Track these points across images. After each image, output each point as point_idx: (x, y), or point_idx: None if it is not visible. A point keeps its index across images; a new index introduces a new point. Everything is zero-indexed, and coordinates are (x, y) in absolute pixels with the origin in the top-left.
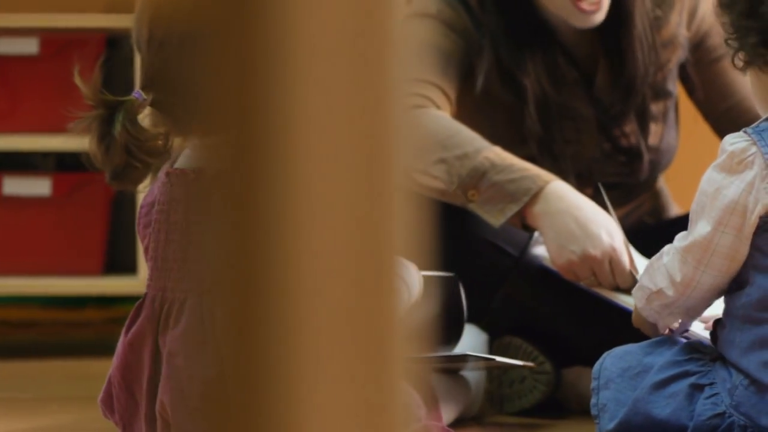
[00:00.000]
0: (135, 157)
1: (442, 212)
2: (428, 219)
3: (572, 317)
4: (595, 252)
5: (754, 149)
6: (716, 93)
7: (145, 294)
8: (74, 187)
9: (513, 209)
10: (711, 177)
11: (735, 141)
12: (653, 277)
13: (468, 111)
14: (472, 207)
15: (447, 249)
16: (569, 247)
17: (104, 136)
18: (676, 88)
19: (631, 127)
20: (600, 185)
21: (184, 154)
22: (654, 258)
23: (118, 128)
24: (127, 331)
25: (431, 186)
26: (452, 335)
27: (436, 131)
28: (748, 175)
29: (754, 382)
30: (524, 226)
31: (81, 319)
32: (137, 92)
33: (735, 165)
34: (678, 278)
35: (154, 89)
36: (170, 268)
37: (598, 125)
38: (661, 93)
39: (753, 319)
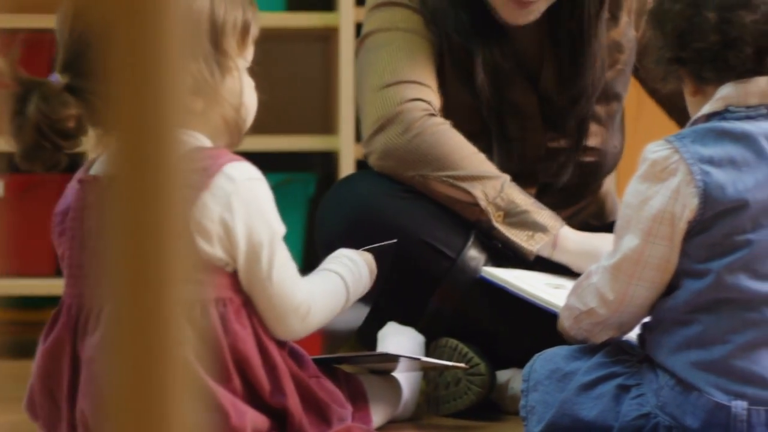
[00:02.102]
0: (46, 137)
1: (380, 213)
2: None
3: (507, 319)
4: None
5: (676, 156)
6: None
7: (62, 302)
8: (27, 188)
9: (543, 239)
10: (635, 189)
11: (656, 149)
12: (582, 297)
13: None
14: (499, 226)
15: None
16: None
17: (17, 114)
18: (625, 91)
19: (572, 127)
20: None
21: (99, 160)
22: (581, 278)
23: (31, 108)
24: (45, 339)
25: (461, 199)
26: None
27: (459, 146)
28: (673, 182)
29: (680, 382)
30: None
31: (35, 320)
32: (54, 75)
33: (658, 173)
34: (611, 296)
35: (70, 74)
36: (86, 275)
37: (543, 124)
38: (608, 96)
39: (680, 320)
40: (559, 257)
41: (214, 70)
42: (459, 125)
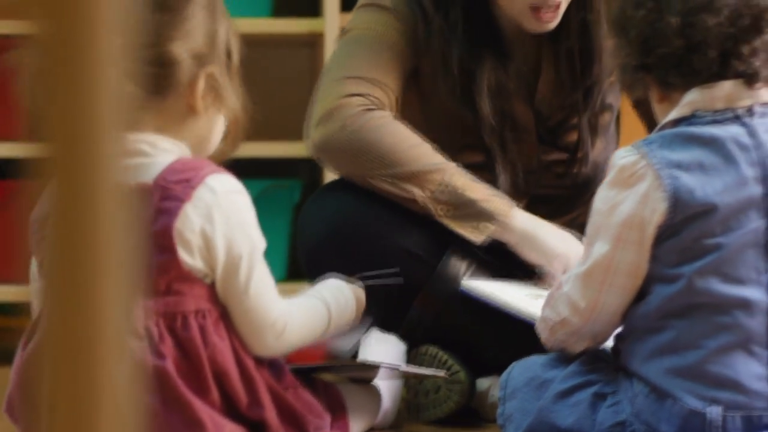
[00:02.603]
0: None
1: (360, 219)
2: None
3: (488, 327)
4: (575, 252)
5: (644, 162)
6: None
7: (41, 310)
8: (8, 195)
9: (488, 228)
10: (604, 195)
11: (624, 155)
12: (555, 307)
13: (410, 111)
14: (443, 221)
15: (363, 257)
16: (553, 248)
17: None
18: (618, 101)
19: (569, 138)
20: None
21: None
22: (553, 288)
23: None
24: (24, 346)
25: (401, 195)
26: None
27: (400, 140)
28: (641, 187)
29: (654, 389)
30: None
31: (14, 327)
32: None
33: (627, 179)
34: (582, 304)
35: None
36: None
37: (538, 136)
38: (602, 106)
39: (653, 327)
40: (504, 236)
41: (227, 77)
42: (454, 138)
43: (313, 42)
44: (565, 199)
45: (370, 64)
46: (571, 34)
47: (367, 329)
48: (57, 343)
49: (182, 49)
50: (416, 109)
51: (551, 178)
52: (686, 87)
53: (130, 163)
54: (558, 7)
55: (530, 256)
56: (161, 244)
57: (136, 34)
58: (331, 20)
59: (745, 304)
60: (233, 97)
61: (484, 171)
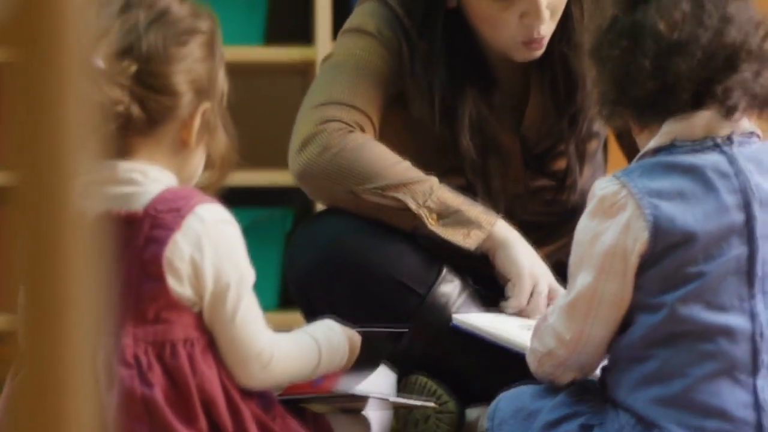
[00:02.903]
0: None
1: (349, 248)
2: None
3: (477, 356)
4: (546, 275)
5: (624, 191)
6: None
7: None
8: None
9: (479, 235)
10: (585, 226)
11: (604, 185)
12: (542, 339)
13: (394, 135)
14: (434, 229)
15: (353, 285)
16: (527, 265)
17: None
18: (605, 129)
19: (556, 165)
20: None
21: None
22: (539, 320)
23: None
24: (13, 377)
25: (392, 206)
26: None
27: (383, 157)
28: (623, 216)
29: (641, 420)
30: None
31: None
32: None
33: (607, 209)
34: (567, 336)
35: None
36: None
37: (524, 162)
38: (589, 134)
39: (637, 357)
40: (486, 245)
41: (219, 114)
42: (439, 161)
43: (305, 70)
44: (554, 226)
45: (349, 90)
46: (555, 62)
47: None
48: (24, 375)
49: (185, 82)
50: (402, 131)
51: (539, 204)
52: (663, 121)
53: (122, 192)
54: (542, 40)
55: (504, 267)
56: (151, 272)
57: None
58: (323, 48)
59: (729, 332)
60: (223, 134)
61: (470, 194)
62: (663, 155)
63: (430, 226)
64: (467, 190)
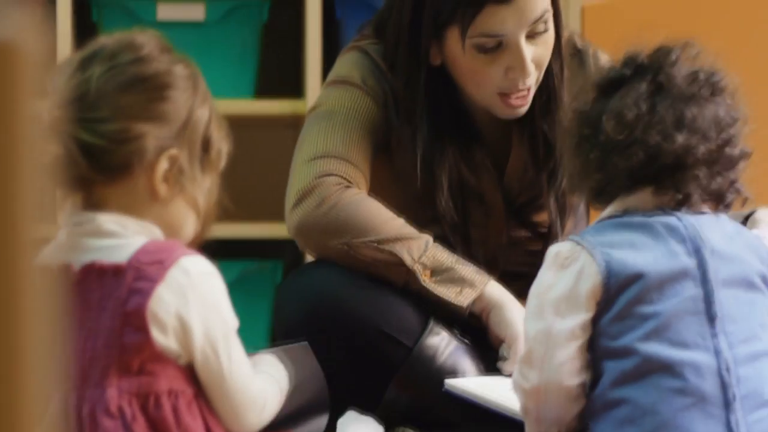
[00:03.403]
0: None
1: (337, 300)
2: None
3: (464, 409)
4: None
5: (578, 248)
6: None
7: None
8: None
9: (471, 294)
10: (539, 280)
11: (559, 245)
12: (518, 398)
13: (377, 183)
14: (427, 285)
15: (340, 337)
16: (521, 326)
17: None
18: None
19: (538, 217)
20: None
21: (47, 249)
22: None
23: None
24: None
25: (386, 260)
26: (319, 405)
27: (379, 212)
28: (576, 266)
29: None
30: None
31: None
32: None
33: (562, 261)
34: (527, 386)
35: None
36: None
37: (506, 212)
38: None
39: (609, 403)
40: (476, 305)
41: (198, 166)
42: (421, 211)
43: (296, 123)
44: (535, 276)
45: (341, 142)
46: (535, 116)
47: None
48: None
49: (146, 129)
50: (385, 179)
51: (522, 254)
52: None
53: (104, 244)
54: (528, 91)
55: (498, 328)
56: (134, 324)
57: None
58: (313, 101)
59: (695, 366)
60: (200, 187)
61: (457, 245)
62: (615, 219)
63: (423, 282)
64: (448, 241)
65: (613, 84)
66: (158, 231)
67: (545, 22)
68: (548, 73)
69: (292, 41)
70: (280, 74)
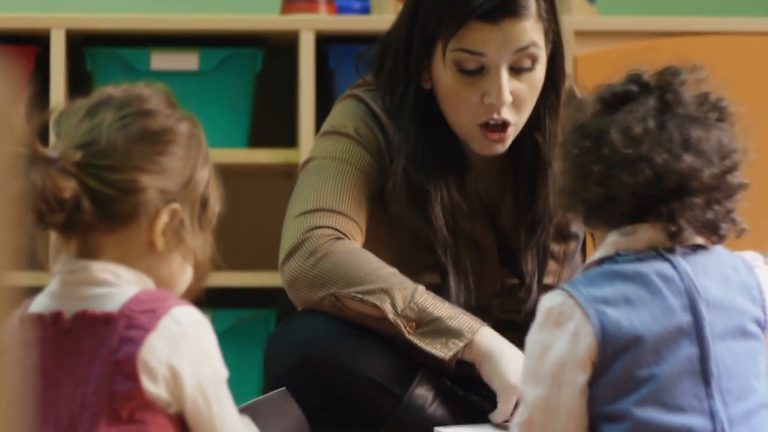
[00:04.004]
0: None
1: (326, 349)
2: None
3: None
4: None
5: (571, 301)
6: None
7: None
8: None
9: (458, 345)
10: (534, 339)
11: (551, 298)
12: None
13: (374, 232)
14: (411, 338)
15: (330, 387)
16: (512, 378)
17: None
18: (582, 231)
19: (530, 264)
20: None
21: (39, 296)
22: None
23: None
24: None
25: (371, 314)
26: None
27: (366, 262)
28: (570, 325)
29: None
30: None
31: None
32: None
33: (555, 319)
34: None
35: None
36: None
37: (501, 258)
38: (565, 235)
39: None
40: (470, 355)
41: (197, 223)
42: (415, 259)
43: (290, 172)
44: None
45: (334, 195)
46: (521, 167)
47: None
48: None
49: (152, 181)
50: (380, 228)
51: (515, 302)
52: (606, 229)
53: (96, 292)
54: (506, 127)
55: (490, 380)
56: (125, 372)
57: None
58: (307, 151)
59: None
60: (199, 244)
61: (445, 292)
62: (607, 265)
63: (407, 335)
64: (443, 288)
65: (618, 99)
66: (151, 283)
67: (532, 59)
68: (539, 122)
69: (286, 91)
70: (273, 124)
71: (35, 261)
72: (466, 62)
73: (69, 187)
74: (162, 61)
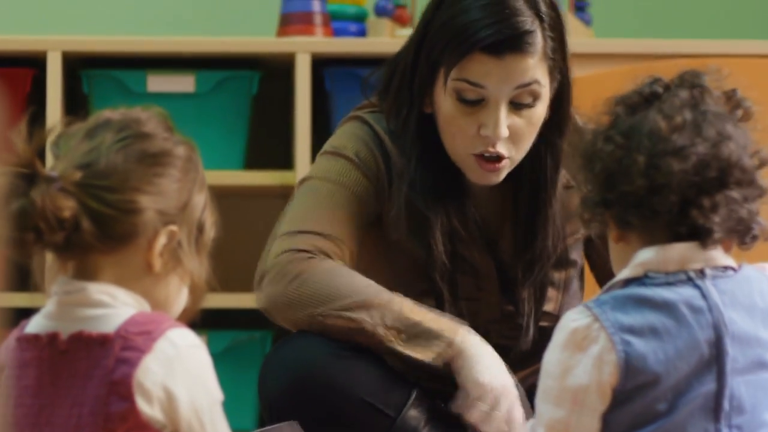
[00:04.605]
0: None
1: (320, 370)
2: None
3: None
4: (508, 395)
5: (596, 324)
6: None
7: None
8: None
9: (440, 345)
10: (556, 359)
11: (576, 317)
12: None
13: (371, 256)
14: (392, 346)
15: (323, 408)
16: (480, 376)
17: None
18: (581, 257)
19: (528, 292)
20: None
21: (36, 317)
22: None
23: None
24: None
25: (350, 327)
26: None
27: (339, 277)
28: (594, 349)
29: None
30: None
31: None
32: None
33: (579, 342)
34: None
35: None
36: None
37: (500, 286)
38: (564, 262)
39: None
40: (449, 355)
41: (193, 245)
42: (412, 284)
43: (285, 194)
44: (529, 351)
45: (322, 218)
46: (522, 193)
47: None
48: None
49: (149, 202)
50: (377, 253)
51: (511, 329)
52: (644, 228)
53: (93, 313)
54: (501, 161)
55: (463, 382)
56: (120, 393)
57: None
58: (303, 173)
59: None
60: (195, 266)
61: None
62: (635, 286)
63: (389, 344)
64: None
65: (645, 98)
66: (147, 305)
67: (533, 96)
68: (539, 160)
69: (282, 113)
70: (269, 146)
71: (30, 282)
72: (466, 92)
73: (69, 206)
74: (158, 83)
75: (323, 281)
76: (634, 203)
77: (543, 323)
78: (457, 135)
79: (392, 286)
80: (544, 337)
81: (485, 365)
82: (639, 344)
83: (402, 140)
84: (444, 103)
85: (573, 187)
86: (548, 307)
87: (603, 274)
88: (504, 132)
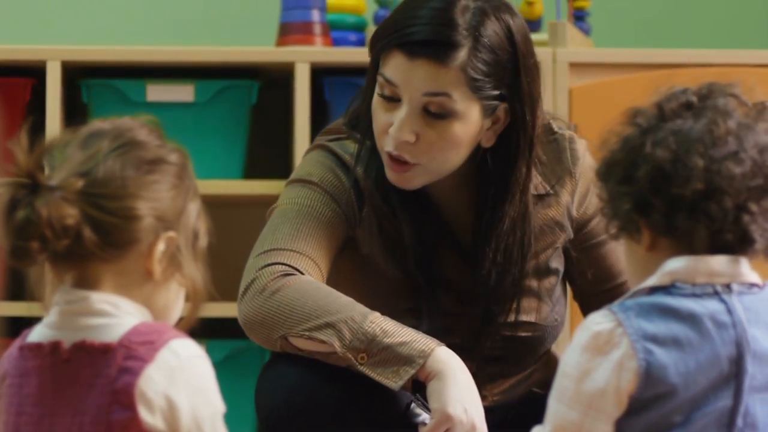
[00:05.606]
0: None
1: (314, 387)
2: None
3: None
4: (465, 418)
5: (620, 330)
6: (596, 276)
7: None
8: None
9: (409, 372)
10: (575, 360)
11: (600, 321)
12: None
13: (347, 280)
14: (362, 369)
15: (319, 424)
16: (449, 406)
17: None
18: (562, 265)
19: (508, 302)
20: None
21: (38, 326)
22: None
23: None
24: None
25: (316, 349)
26: None
27: (314, 296)
28: (615, 354)
29: None
30: (414, 385)
31: None
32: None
33: (601, 346)
34: None
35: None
36: None
37: (480, 298)
38: (545, 271)
39: None
40: (421, 376)
41: (191, 252)
42: (395, 303)
43: None
44: (513, 361)
45: (292, 236)
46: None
47: None
48: None
49: (148, 208)
50: (355, 275)
51: (497, 339)
52: (685, 235)
53: (96, 323)
54: (406, 165)
55: (431, 398)
56: (122, 402)
57: None
58: None
59: None
60: (194, 271)
61: (430, 333)
62: (661, 295)
63: (358, 367)
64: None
65: (683, 106)
66: (148, 313)
67: (443, 109)
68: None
69: (281, 123)
70: (268, 155)
71: (26, 291)
72: (383, 87)
73: (72, 214)
74: (158, 92)
75: (299, 298)
76: (685, 207)
77: (526, 333)
78: (376, 130)
79: (375, 308)
80: (527, 347)
81: (456, 395)
82: (661, 354)
83: (362, 143)
84: (374, 99)
85: (548, 194)
86: (530, 317)
87: (580, 285)
88: (405, 135)
